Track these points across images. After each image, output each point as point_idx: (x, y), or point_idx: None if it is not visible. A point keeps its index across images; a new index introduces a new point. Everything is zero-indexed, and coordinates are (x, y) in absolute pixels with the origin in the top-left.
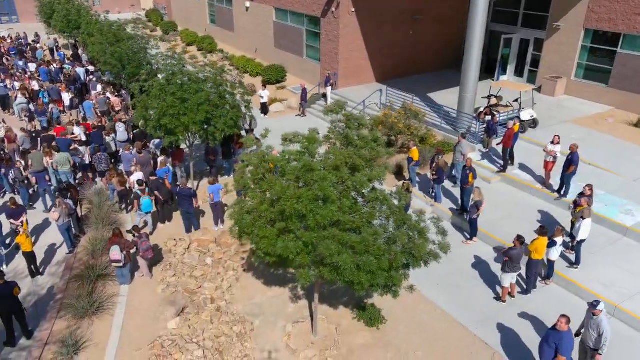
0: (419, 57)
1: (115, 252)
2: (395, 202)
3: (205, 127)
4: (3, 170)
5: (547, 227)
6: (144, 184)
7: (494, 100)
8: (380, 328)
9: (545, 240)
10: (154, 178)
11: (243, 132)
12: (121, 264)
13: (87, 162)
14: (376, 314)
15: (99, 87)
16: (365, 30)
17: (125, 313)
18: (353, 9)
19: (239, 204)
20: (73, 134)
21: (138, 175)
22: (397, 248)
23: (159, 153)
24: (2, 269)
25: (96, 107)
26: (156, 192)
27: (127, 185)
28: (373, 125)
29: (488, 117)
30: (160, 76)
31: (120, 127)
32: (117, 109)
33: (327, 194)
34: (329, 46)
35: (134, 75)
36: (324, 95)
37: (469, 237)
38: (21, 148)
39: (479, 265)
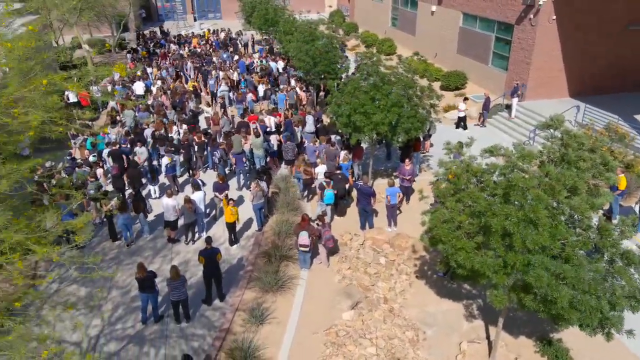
0: (628, 72)
1: (304, 237)
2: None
3: (393, 127)
4: (210, 149)
5: None
6: (330, 177)
7: None
8: None
9: None
10: (337, 172)
11: (420, 137)
12: (307, 249)
13: (275, 149)
14: (563, 353)
15: (293, 82)
16: (565, 39)
17: (304, 295)
18: (554, 17)
19: (436, 211)
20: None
21: (324, 168)
22: (617, 283)
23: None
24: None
25: (287, 99)
26: None
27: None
28: (599, 145)
29: None
30: (351, 74)
31: (310, 120)
32: (303, 103)
33: (539, 217)
34: (520, 55)
35: (323, 73)
36: (508, 107)
37: None
38: (223, 130)
39: None
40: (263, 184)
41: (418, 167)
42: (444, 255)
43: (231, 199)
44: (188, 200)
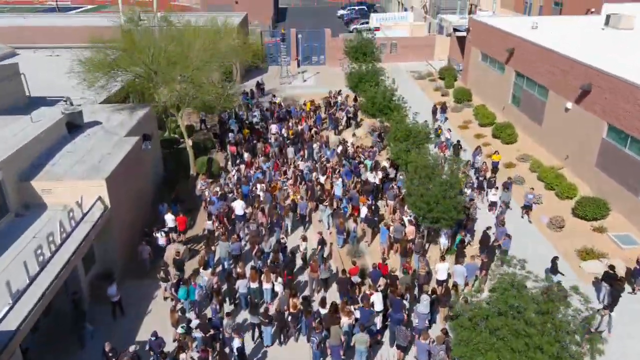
0: None
1: None
2: None
3: None
4: (305, 319)
5: None
6: None
7: None
8: None
9: None
10: None
11: None
12: None
13: (379, 327)
14: None
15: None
16: None
17: None
18: None
19: None
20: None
21: None
22: None
23: None
24: None
25: (392, 234)
26: None
27: None
28: None
29: None
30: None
31: (425, 300)
32: (410, 237)
33: None
34: None
35: (439, 219)
36: None
37: None
38: (320, 278)
39: None
40: None
41: None
42: None
43: None
44: None
